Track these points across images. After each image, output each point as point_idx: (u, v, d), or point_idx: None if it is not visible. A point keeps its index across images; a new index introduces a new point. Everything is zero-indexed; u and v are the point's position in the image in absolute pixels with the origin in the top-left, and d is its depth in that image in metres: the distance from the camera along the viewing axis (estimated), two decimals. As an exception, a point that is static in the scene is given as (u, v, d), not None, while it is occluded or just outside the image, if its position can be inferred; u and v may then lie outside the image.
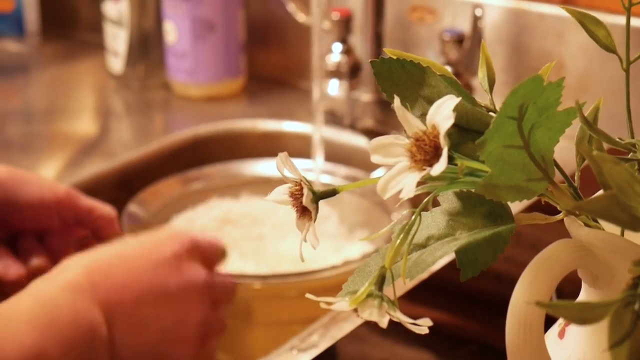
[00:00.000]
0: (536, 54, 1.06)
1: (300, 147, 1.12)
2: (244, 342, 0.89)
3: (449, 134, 0.40)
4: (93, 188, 0.97)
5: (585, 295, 0.45)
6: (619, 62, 0.46)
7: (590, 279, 0.44)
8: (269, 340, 0.86)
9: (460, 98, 0.41)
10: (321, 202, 0.44)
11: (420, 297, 0.76)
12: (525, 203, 0.46)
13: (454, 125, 0.43)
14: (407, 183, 0.40)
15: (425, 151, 0.40)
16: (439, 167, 0.39)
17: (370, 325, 0.41)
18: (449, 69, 1.07)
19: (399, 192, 0.40)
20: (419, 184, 0.41)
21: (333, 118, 1.15)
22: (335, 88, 1.14)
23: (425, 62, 0.46)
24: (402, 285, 0.74)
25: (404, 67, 0.45)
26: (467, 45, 1.06)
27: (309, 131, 1.10)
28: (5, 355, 0.59)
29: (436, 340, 0.72)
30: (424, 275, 0.78)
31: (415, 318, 0.73)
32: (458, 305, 0.77)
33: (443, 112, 0.40)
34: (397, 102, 0.41)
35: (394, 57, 0.45)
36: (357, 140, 1.13)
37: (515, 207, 0.45)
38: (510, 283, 0.43)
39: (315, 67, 1.07)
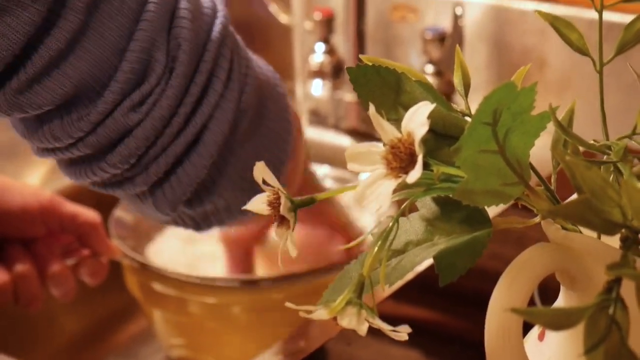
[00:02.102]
0: (518, 50, 1.06)
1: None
2: (230, 346, 0.89)
3: (424, 140, 0.40)
4: (78, 194, 0.97)
5: (564, 297, 0.46)
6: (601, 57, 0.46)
7: (569, 281, 0.44)
8: (255, 344, 0.86)
9: (435, 104, 0.41)
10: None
11: (406, 296, 0.76)
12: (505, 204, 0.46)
13: (430, 131, 0.43)
14: (383, 191, 0.40)
15: (400, 158, 0.40)
16: (415, 174, 0.39)
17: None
18: (430, 67, 1.08)
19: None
20: (397, 190, 0.41)
21: (317, 118, 1.15)
22: (318, 88, 1.15)
23: (401, 68, 0.46)
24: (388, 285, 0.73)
25: (380, 73, 0.45)
26: (449, 44, 1.07)
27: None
28: None
29: (425, 339, 0.72)
30: (410, 274, 0.78)
31: (401, 317, 0.73)
32: (445, 304, 0.77)
33: (418, 119, 0.40)
34: (372, 109, 0.41)
35: (370, 63, 0.46)
36: (341, 140, 1.13)
37: (496, 208, 0.45)
38: (496, 280, 0.43)
39: (298, 67, 1.07)
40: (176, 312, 0.88)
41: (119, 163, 0.61)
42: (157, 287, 0.87)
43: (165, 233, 0.95)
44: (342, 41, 1.14)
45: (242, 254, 0.87)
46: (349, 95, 1.13)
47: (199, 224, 0.71)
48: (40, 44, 0.56)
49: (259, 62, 0.71)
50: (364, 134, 1.12)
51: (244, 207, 0.45)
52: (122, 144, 0.61)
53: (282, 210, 0.42)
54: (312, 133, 1.11)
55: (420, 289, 0.77)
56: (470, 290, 0.74)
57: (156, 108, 0.60)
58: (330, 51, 1.14)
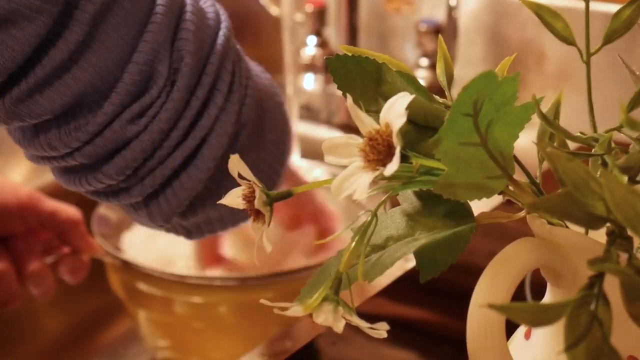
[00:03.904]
0: (516, 43, 1.06)
1: (275, 144, 1.11)
2: (217, 347, 0.89)
3: (405, 132, 0.40)
4: (61, 190, 0.96)
5: (550, 294, 0.45)
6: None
7: (554, 277, 0.44)
8: (243, 345, 0.86)
9: (415, 95, 0.40)
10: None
11: (401, 293, 0.76)
12: (498, 199, 0.46)
13: (412, 123, 0.43)
14: (360, 183, 0.40)
15: (378, 151, 0.40)
16: (392, 166, 0.39)
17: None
18: (425, 60, 1.08)
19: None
20: (377, 183, 0.41)
21: (308, 113, 1.15)
22: (310, 82, 1.15)
23: (382, 58, 0.46)
24: (381, 282, 0.73)
25: (360, 63, 0.45)
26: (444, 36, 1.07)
27: (284, 127, 1.09)
28: None
29: (418, 338, 0.72)
30: (399, 271, 0.78)
31: (395, 316, 0.72)
32: (440, 302, 0.77)
33: (396, 110, 0.40)
34: (349, 100, 0.41)
35: (349, 54, 0.45)
36: (334, 135, 1.13)
37: (489, 203, 0.45)
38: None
39: (289, 61, 1.07)
40: (161, 312, 0.88)
41: (115, 174, 0.61)
42: (141, 286, 0.87)
43: (149, 231, 0.95)
44: (335, 34, 1.13)
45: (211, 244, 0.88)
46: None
47: (191, 232, 0.71)
48: (44, 54, 0.56)
49: (256, 69, 0.71)
50: (357, 128, 1.12)
51: (220, 202, 0.45)
52: (119, 156, 0.61)
53: (257, 204, 0.42)
54: (304, 128, 1.11)
55: (415, 286, 0.77)
56: (468, 288, 0.74)
57: (156, 121, 0.60)
58: (322, 44, 1.14)
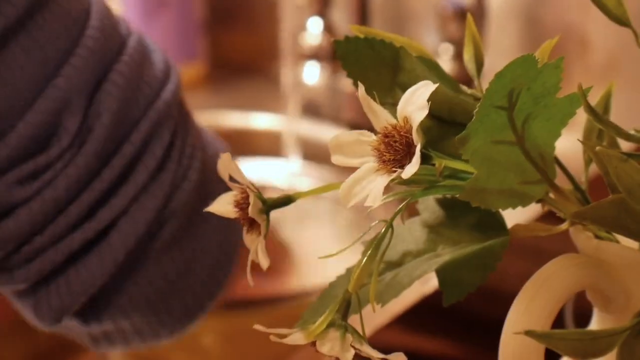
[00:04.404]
0: (555, 29, 1.06)
1: (272, 145, 1.12)
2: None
3: (426, 127, 0.40)
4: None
5: (597, 321, 0.45)
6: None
7: (602, 301, 0.43)
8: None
9: (437, 84, 0.40)
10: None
11: (419, 321, 0.76)
12: (536, 209, 0.45)
13: (435, 118, 0.43)
14: (374, 188, 0.39)
15: (395, 149, 0.40)
16: (411, 168, 0.38)
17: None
18: (449, 48, 1.08)
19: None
20: (393, 188, 0.41)
21: (311, 109, 1.15)
22: (312, 73, 1.14)
23: (400, 41, 0.46)
24: (395, 309, 0.73)
25: (374, 47, 0.45)
26: (471, 20, 1.07)
27: (283, 125, 1.10)
28: None
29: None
30: (419, 295, 0.78)
31: (413, 346, 0.72)
32: (466, 331, 0.77)
33: (416, 102, 0.39)
34: (361, 90, 0.40)
35: (362, 36, 0.45)
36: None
37: (524, 214, 0.44)
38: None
39: (286, 48, 1.07)
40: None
41: None
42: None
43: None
44: (342, 17, 1.13)
45: None
46: (349, 82, 1.13)
47: (98, 342, 0.67)
48: None
49: (207, 136, 0.67)
50: (369, 127, 1.12)
51: (208, 208, 0.44)
52: (0, 224, 0.56)
53: (252, 212, 0.42)
54: (305, 127, 1.11)
55: (430, 312, 0.76)
56: (494, 315, 0.74)
57: (51, 188, 0.56)
58: (327, 29, 1.14)
